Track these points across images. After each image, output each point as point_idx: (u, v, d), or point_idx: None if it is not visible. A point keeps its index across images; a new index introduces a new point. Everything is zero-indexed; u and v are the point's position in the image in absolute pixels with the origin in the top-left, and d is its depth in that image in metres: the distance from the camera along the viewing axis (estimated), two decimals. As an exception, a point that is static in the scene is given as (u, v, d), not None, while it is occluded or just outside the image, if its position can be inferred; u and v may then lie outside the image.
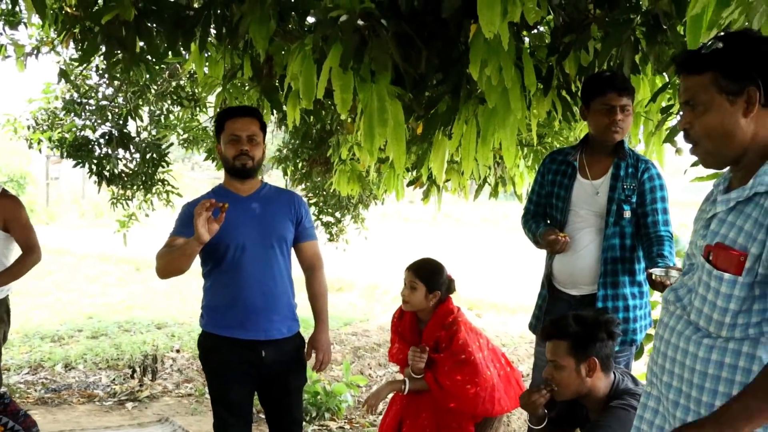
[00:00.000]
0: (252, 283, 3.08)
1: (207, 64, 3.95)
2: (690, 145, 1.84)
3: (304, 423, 5.04)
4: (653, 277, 2.82)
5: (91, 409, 5.46)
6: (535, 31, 3.41)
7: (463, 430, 3.58)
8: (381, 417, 4.24)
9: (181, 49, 3.64)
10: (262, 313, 3.10)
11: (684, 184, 3.24)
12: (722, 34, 1.78)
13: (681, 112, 1.85)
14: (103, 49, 3.51)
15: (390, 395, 3.87)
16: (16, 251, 4.12)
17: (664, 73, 3.34)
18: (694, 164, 2.00)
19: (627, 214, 3.19)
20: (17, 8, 5.06)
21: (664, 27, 2.70)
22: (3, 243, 4.04)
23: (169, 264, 3.01)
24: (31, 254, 4.07)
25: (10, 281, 4.03)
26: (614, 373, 2.76)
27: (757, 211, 1.68)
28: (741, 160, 1.76)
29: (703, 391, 1.76)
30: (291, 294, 3.25)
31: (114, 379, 6.27)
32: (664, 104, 3.45)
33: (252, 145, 3.12)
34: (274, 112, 4.20)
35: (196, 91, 6.50)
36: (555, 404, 2.95)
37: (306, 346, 3.31)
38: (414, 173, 5.42)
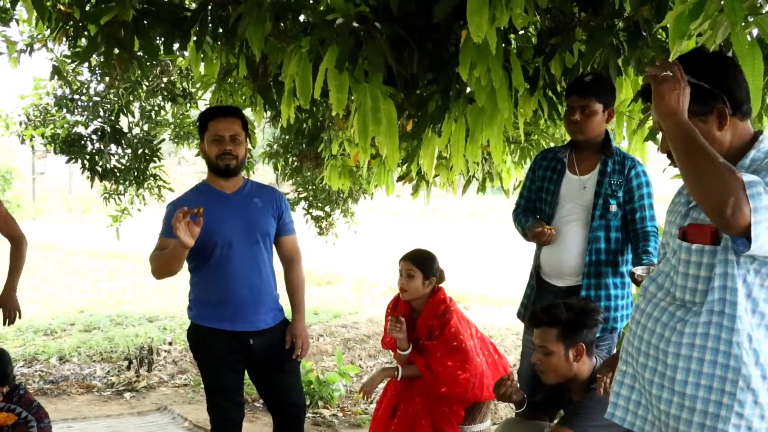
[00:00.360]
0: (239, 279, 3.22)
1: (203, 63, 4.05)
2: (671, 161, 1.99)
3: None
4: (635, 276, 2.99)
5: (90, 399, 5.57)
6: (522, 32, 3.53)
7: (454, 414, 3.73)
8: (373, 405, 4.38)
9: (177, 48, 3.73)
10: (249, 307, 3.25)
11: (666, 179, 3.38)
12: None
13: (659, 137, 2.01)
14: (102, 48, 3.60)
15: (384, 382, 4.01)
16: None
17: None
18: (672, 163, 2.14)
19: (613, 208, 3.34)
20: (8, 5, 5.11)
21: (644, 33, 2.84)
22: None
23: (161, 267, 3.18)
24: (22, 243, 4.13)
25: (19, 276, 4.11)
26: (595, 357, 2.92)
27: None
28: None
29: (677, 370, 1.93)
30: (274, 286, 3.40)
31: (109, 371, 6.37)
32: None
33: (235, 144, 3.24)
34: (267, 109, 4.31)
35: (186, 87, 6.60)
36: (541, 388, 3.11)
37: (286, 335, 3.43)
38: (404, 168, 5.54)
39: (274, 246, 3.44)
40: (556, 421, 2.89)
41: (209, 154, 3.26)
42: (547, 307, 2.96)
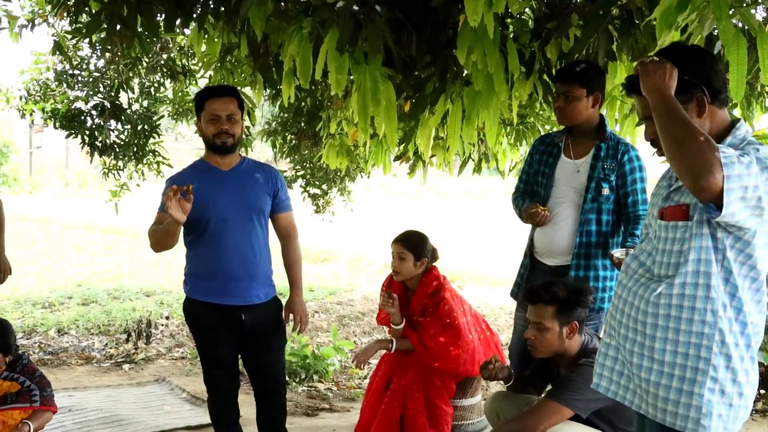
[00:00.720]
0: (232, 254, 3.30)
1: (205, 41, 4.11)
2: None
3: (294, 383, 5.29)
4: (614, 258, 3.12)
5: (89, 370, 5.68)
6: (519, 16, 3.59)
7: (446, 387, 3.84)
8: (367, 381, 4.48)
9: (179, 25, 3.78)
10: (242, 281, 3.33)
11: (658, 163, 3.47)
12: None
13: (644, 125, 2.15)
14: (105, 25, 3.65)
15: (378, 356, 4.11)
16: None
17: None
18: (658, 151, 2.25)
19: (605, 191, 3.43)
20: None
21: (637, 21, 2.91)
22: None
23: (158, 242, 3.30)
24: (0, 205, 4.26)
25: (3, 236, 4.20)
26: (585, 334, 3.01)
27: None
28: None
29: (655, 340, 2.09)
30: (268, 262, 3.47)
31: (107, 344, 6.46)
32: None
33: (231, 123, 3.32)
34: (267, 88, 4.37)
35: (186, 64, 6.64)
36: (530, 363, 3.20)
37: (283, 310, 3.52)
38: (401, 148, 5.62)
39: (271, 223, 3.52)
40: (543, 395, 2.99)
41: (206, 133, 3.34)
42: (546, 285, 3.04)
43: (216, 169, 3.38)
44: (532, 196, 3.70)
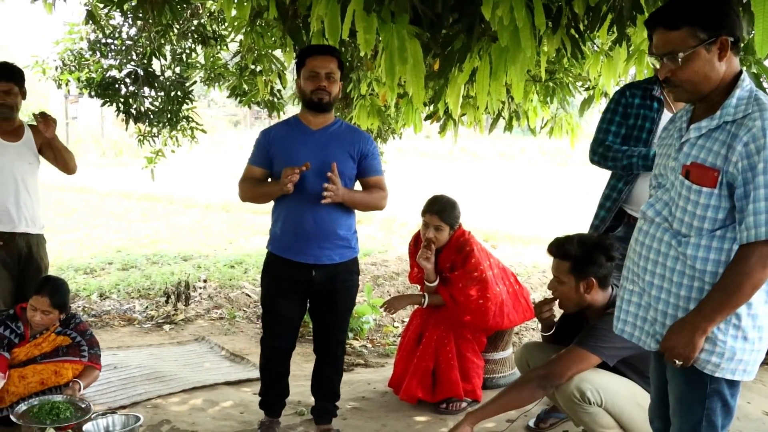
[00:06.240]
0: (305, 212, 3.34)
1: (234, 5, 4.15)
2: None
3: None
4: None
5: (131, 331, 5.86)
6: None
7: (477, 340, 3.93)
8: (399, 338, 4.57)
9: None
10: (313, 240, 3.36)
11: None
12: None
13: (660, 62, 2.14)
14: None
15: (409, 310, 4.20)
16: None
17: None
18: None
19: None
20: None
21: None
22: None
23: (253, 198, 3.52)
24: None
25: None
26: (612, 287, 3.05)
27: (724, 135, 2.06)
28: (709, 96, 2.12)
29: (681, 287, 2.14)
30: (345, 224, 3.45)
31: (147, 306, 6.64)
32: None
33: (329, 81, 3.36)
34: (297, 50, 4.41)
35: (216, 29, 6.70)
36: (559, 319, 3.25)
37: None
38: (431, 108, 5.64)
39: (360, 186, 3.51)
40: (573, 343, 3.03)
41: (304, 89, 3.39)
42: (561, 241, 3.07)
43: (305, 127, 3.43)
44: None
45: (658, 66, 2.16)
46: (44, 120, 4.08)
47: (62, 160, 4.30)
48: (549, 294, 3.17)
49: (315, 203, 3.28)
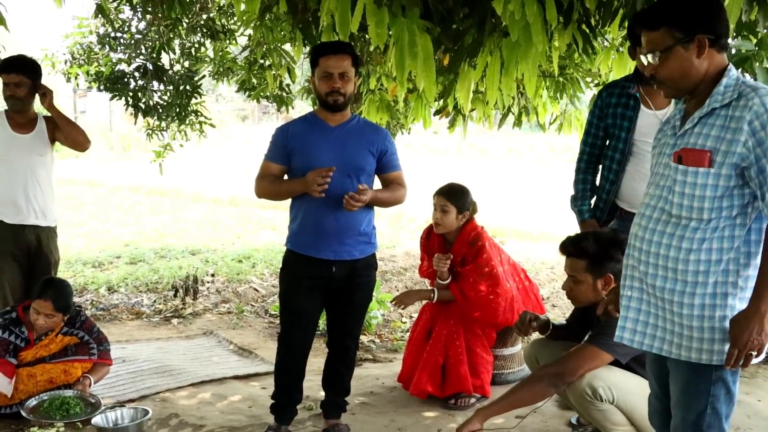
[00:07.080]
0: (326, 208, 3.31)
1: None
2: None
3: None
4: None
5: (140, 325, 5.87)
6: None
7: (486, 336, 3.92)
8: (407, 333, 4.57)
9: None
10: (334, 236, 3.34)
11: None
12: None
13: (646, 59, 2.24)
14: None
15: (418, 305, 4.18)
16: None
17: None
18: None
19: None
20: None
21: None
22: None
23: (270, 195, 3.51)
24: None
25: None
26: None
27: (719, 119, 2.14)
28: (695, 91, 2.20)
29: (698, 274, 2.16)
30: (365, 220, 3.43)
31: (155, 300, 6.65)
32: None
33: (344, 81, 3.31)
34: (307, 45, 4.40)
35: (225, 23, 6.69)
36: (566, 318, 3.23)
37: None
38: (440, 103, 5.62)
39: (380, 183, 3.50)
40: (584, 341, 3.02)
41: (318, 90, 3.36)
42: (576, 239, 3.06)
43: (323, 124, 3.39)
44: (596, 164, 3.64)
45: (645, 63, 2.24)
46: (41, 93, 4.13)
47: (70, 136, 4.26)
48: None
49: (335, 200, 3.25)
